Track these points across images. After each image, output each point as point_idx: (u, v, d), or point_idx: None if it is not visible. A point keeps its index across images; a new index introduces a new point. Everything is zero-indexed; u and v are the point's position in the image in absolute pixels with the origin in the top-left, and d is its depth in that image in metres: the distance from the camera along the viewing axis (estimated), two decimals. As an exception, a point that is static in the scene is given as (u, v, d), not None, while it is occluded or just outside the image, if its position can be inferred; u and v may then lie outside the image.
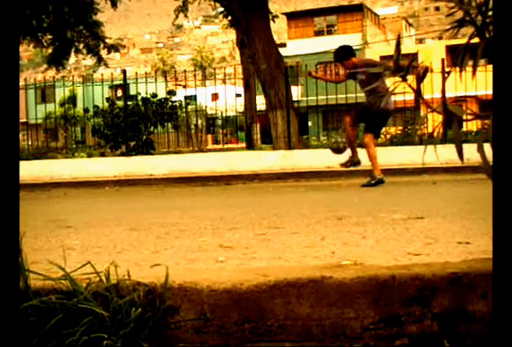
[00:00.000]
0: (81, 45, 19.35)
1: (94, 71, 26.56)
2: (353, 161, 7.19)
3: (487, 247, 2.04)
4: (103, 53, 20.20)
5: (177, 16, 19.37)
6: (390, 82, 1.71)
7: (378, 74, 6.97)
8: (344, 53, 7.25)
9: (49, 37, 18.88)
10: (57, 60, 19.37)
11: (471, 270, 1.60)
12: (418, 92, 1.57)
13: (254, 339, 1.59)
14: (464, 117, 1.51)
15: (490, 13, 1.43)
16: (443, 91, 1.59)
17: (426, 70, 1.57)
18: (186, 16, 19.45)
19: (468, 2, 1.48)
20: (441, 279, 1.58)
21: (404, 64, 1.57)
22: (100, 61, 19.94)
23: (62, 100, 24.20)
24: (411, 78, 1.59)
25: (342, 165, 7.38)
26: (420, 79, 1.56)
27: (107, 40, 19.81)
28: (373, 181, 6.80)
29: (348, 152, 7.34)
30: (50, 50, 19.41)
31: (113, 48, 20.39)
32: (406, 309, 1.57)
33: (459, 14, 1.49)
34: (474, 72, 1.49)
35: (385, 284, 1.58)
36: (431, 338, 1.56)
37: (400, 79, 1.59)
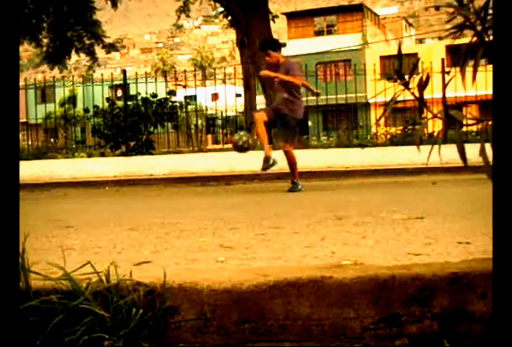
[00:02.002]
0: (79, 45, 19.28)
1: (93, 71, 26.51)
2: (274, 163, 6.86)
3: (487, 247, 2.04)
4: (102, 52, 20.14)
5: (179, 17, 19.37)
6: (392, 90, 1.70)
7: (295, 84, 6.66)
8: (272, 43, 6.94)
9: (47, 35, 18.82)
10: (55, 58, 19.30)
11: (471, 270, 1.60)
12: (421, 101, 1.57)
13: (254, 339, 1.59)
14: (465, 122, 1.51)
15: (489, 17, 1.44)
16: (443, 96, 1.59)
17: (428, 78, 1.57)
18: (188, 16, 19.45)
19: (468, 7, 1.48)
20: (441, 279, 1.58)
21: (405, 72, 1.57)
22: (94, 59, 19.81)
23: (62, 100, 24.18)
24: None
25: (264, 169, 7.00)
26: (422, 88, 1.56)
27: (106, 39, 19.72)
28: (300, 187, 6.71)
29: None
30: (50, 50, 19.36)
31: (112, 47, 20.27)
32: (406, 309, 1.57)
33: (459, 17, 1.49)
34: (474, 76, 1.49)
35: (385, 284, 1.58)
36: (431, 338, 1.56)
37: (402, 88, 1.59)
